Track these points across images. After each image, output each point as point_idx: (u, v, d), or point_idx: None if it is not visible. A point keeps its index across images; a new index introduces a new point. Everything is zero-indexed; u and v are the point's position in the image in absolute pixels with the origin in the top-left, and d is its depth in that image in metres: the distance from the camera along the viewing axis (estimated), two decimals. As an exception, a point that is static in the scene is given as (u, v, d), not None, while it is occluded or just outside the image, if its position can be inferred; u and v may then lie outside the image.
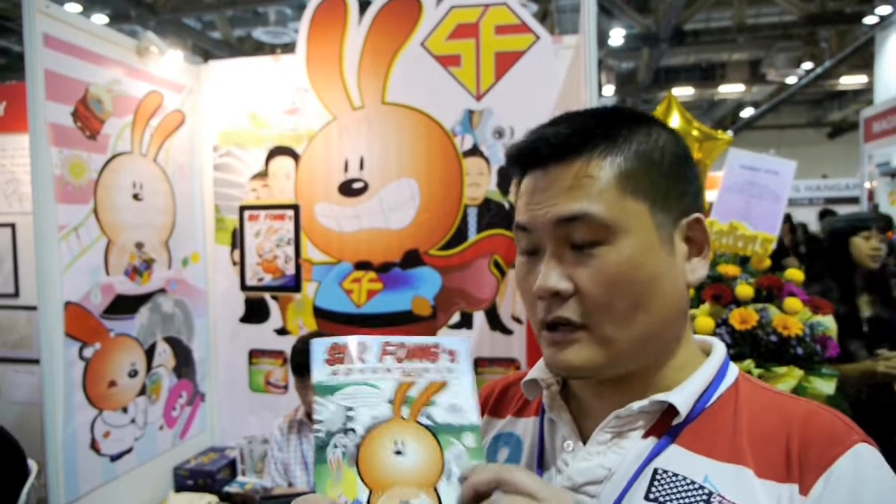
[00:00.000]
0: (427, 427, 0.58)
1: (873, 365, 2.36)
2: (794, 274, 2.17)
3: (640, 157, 0.63)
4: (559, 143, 0.63)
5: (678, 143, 0.67)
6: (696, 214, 0.66)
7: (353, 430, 0.57)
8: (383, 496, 0.54)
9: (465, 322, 2.76)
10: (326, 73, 2.83)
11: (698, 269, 0.66)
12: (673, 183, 0.64)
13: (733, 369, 0.70)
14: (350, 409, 0.58)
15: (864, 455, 0.59)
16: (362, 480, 0.55)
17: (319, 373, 0.59)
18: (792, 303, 2.05)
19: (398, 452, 0.56)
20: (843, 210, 12.86)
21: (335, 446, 0.56)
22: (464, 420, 0.58)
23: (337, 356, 0.60)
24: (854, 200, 9.27)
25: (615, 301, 0.61)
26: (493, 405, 0.82)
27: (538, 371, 0.74)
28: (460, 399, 0.59)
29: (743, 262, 2.26)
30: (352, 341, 0.61)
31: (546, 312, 0.63)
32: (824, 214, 6.54)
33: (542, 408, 0.75)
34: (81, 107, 2.33)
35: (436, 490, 0.55)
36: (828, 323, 2.07)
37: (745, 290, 2.08)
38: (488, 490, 0.52)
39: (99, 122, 2.41)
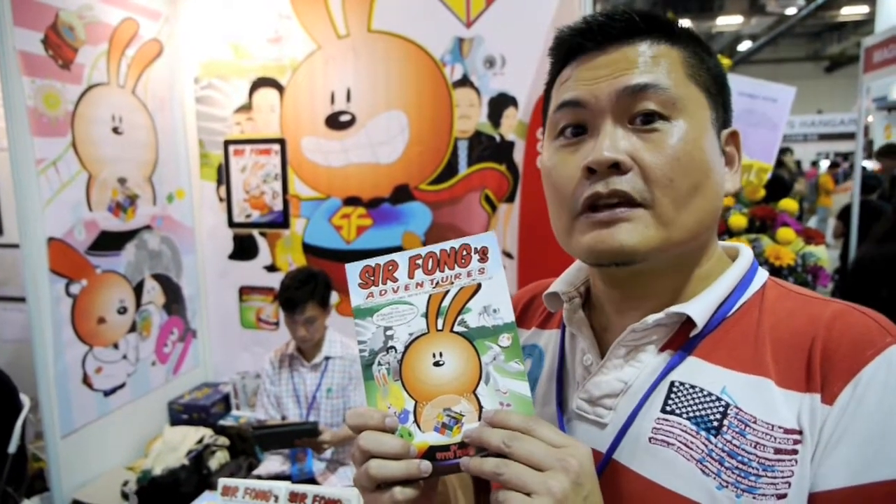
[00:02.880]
0: (462, 335, 0.60)
1: None
2: (789, 204, 2.14)
3: (697, 52, 0.64)
4: (626, 24, 0.62)
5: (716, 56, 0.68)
6: (734, 128, 0.67)
7: (393, 347, 0.60)
8: (427, 405, 0.59)
9: (456, 257, 2.74)
10: (309, -1, 2.70)
11: (733, 180, 0.66)
12: (719, 88, 0.65)
13: (761, 274, 0.66)
14: (388, 328, 0.61)
15: None
16: (407, 392, 0.59)
17: (356, 297, 0.62)
18: (785, 233, 2.03)
19: (437, 364, 0.59)
20: (837, 145, 12.75)
21: (379, 364, 0.60)
22: (497, 320, 0.60)
23: (370, 279, 0.62)
24: (850, 136, 9.16)
25: (678, 178, 0.58)
26: (518, 316, 0.81)
27: (560, 284, 0.73)
28: (493, 299, 0.60)
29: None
30: (381, 262, 0.63)
31: (603, 187, 0.58)
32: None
33: (563, 321, 0.74)
34: (52, 34, 2.22)
35: (475, 395, 0.58)
36: (820, 253, 2.06)
37: (738, 220, 2.06)
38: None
39: (72, 51, 2.31)
